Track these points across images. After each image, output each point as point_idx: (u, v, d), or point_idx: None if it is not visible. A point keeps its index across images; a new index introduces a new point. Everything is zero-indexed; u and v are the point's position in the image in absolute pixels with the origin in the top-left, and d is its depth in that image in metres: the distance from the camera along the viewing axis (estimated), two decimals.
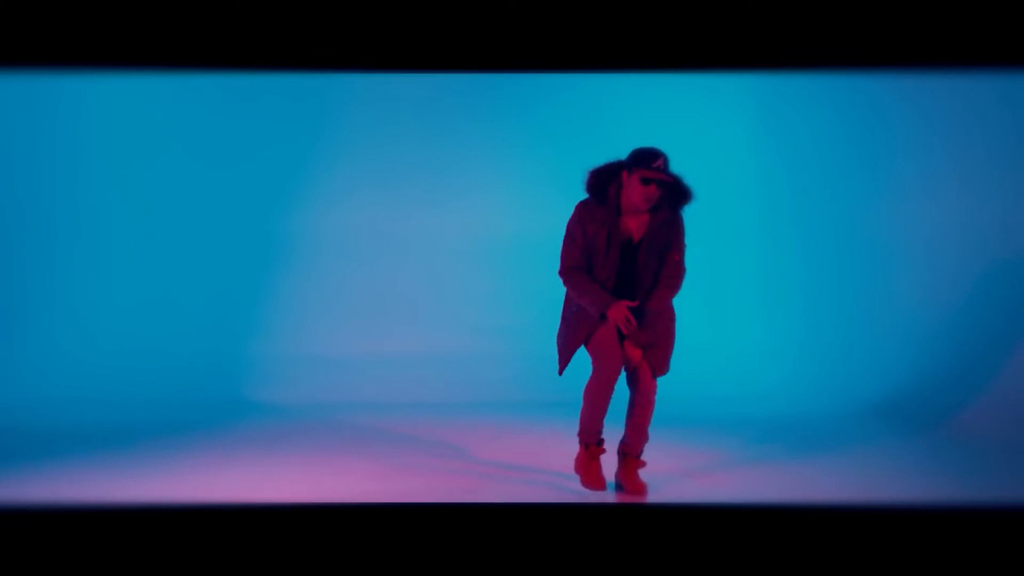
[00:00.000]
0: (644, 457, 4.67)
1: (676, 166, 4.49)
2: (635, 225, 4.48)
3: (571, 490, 4.66)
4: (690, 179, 4.50)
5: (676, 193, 4.46)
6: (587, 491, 4.62)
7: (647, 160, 4.34)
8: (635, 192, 4.39)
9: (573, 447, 4.81)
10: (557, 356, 4.68)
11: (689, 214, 4.56)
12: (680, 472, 5.01)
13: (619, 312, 4.40)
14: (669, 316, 4.61)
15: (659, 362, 4.55)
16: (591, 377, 4.54)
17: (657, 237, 4.47)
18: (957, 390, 6.32)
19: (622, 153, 4.49)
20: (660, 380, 4.62)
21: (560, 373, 4.69)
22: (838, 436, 5.95)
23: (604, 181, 4.45)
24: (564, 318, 4.67)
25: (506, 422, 6.44)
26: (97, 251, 7.55)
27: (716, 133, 7.95)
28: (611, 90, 7.83)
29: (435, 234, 7.96)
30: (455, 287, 7.89)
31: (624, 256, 4.48)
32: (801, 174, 7.82)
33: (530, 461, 5.29)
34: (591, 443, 4.62)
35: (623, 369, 4.57)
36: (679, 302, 4.67)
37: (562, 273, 4.56)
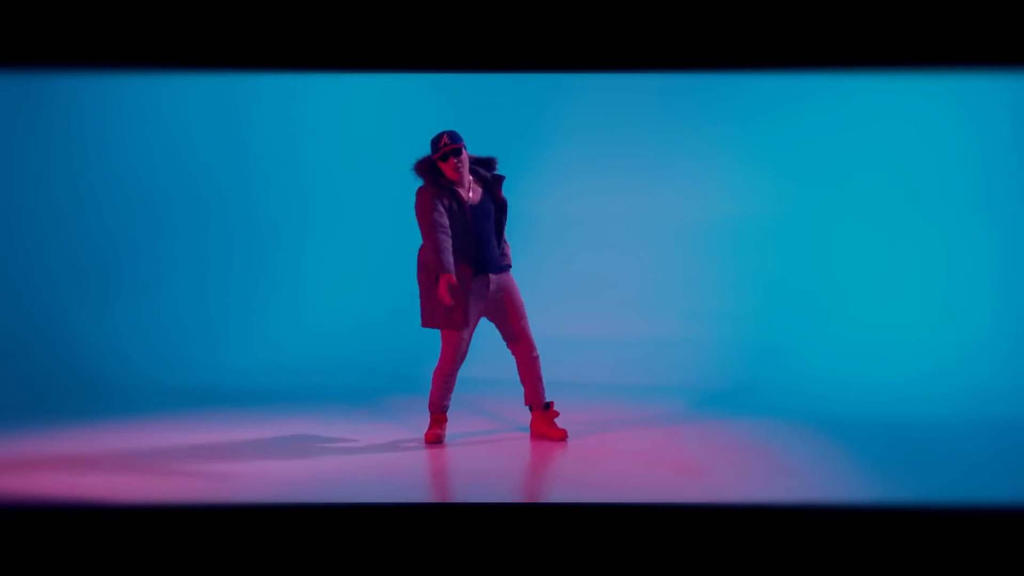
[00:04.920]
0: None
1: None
2: (472, 194, 5.47)
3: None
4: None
5: (481, 163, 5.52)
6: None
7: (434, 146, 5.41)
8: (446, 169, 5.40)
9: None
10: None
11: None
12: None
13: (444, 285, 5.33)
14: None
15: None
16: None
17: (486, 199, 5.50)
18: None
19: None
20: None
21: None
22: None
23: (431, 169, 5.41)
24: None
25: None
26: (347, 243, 8.64)
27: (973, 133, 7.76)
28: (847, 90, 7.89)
29: (647, 218, 8.34)
30: (665, 271, 8.14)
31: (473, 216, 5.43)
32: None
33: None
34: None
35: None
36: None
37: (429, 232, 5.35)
